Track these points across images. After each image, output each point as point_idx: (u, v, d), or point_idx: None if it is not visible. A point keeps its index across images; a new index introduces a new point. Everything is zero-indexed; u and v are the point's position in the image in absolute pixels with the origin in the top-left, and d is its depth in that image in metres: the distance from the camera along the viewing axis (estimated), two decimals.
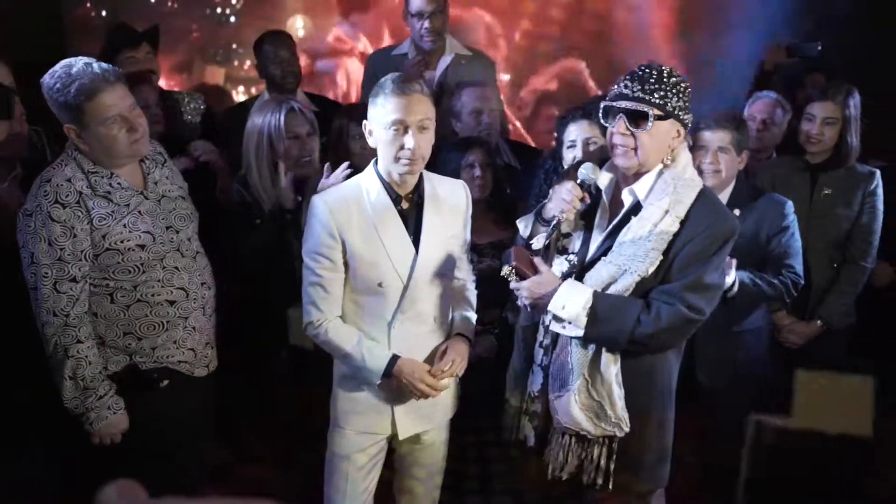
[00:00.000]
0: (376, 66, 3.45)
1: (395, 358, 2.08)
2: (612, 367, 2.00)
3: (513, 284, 1.99)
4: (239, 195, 2.65)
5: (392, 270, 2.05)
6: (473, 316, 2.30)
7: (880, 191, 2.90)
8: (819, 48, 3.48)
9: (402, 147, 1.97)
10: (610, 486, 2.03)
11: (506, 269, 1.99)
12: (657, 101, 1.88)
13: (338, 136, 2.89)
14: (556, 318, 1.99)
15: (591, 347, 2.00)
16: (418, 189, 2.11)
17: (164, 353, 2.23)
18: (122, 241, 2.12)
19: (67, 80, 2.02)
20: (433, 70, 3.44)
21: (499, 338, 2.63)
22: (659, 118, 1.89)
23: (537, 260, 1.98)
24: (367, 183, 2.09)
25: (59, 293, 2.08)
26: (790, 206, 2.68)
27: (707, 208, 1.97)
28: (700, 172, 2.62)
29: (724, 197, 2.64)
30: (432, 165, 2.20)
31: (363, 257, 2.05)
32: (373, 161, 2.11)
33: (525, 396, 2.18)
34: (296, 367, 2.56)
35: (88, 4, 4.38)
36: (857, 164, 2.94)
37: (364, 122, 2.06)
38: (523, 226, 2.16)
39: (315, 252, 2.06)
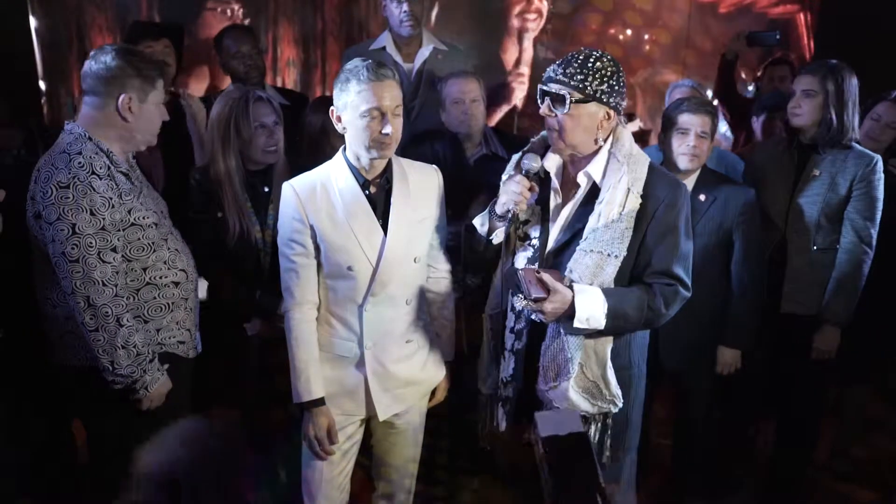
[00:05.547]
0: None
1: (319, 401, 2.13)
2: (607, 348, 2.04)
3: (533, 307, 1.93)
4: (197, 185, 2.61)
5: (361, 254, 2.07)
6: (451, 329, 2.34)
7: (876, 177, 2.79)
8: (778, 37, 3.55)
9: (379, 133, 1.97)
10: (604, 460, 2.07)
11: (521, 302, 1.94)
12: (576, 84, 1.91)
13: (321, 132, 2.81)
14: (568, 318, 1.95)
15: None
16: (386, 173, 2.12)
17: (167, 335, 2.27)
18: (142, 217, 2.18)
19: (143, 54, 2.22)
20: (411, 63, 3.48)
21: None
22: (579, 101, 1.92)
23: (546, 277, 1.92)
24: (336, 169, 2.11)
25: (105, 263, 2.08)
26: (752, 193, 2.72)
27: (659, 180, 2.01)
28: (677, 156, 2.65)
29: (690, 182, 2.68)
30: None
31: (332, 241, 2.07)
32: (342, 148, 2.12)
33: (497, 383, 2.18)
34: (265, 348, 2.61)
35: None
36: (855, 147, 2.83)
37: (331, 108, 2.05)
38: (480, 223, 2.12)
39: (288, 239, 2.10)
